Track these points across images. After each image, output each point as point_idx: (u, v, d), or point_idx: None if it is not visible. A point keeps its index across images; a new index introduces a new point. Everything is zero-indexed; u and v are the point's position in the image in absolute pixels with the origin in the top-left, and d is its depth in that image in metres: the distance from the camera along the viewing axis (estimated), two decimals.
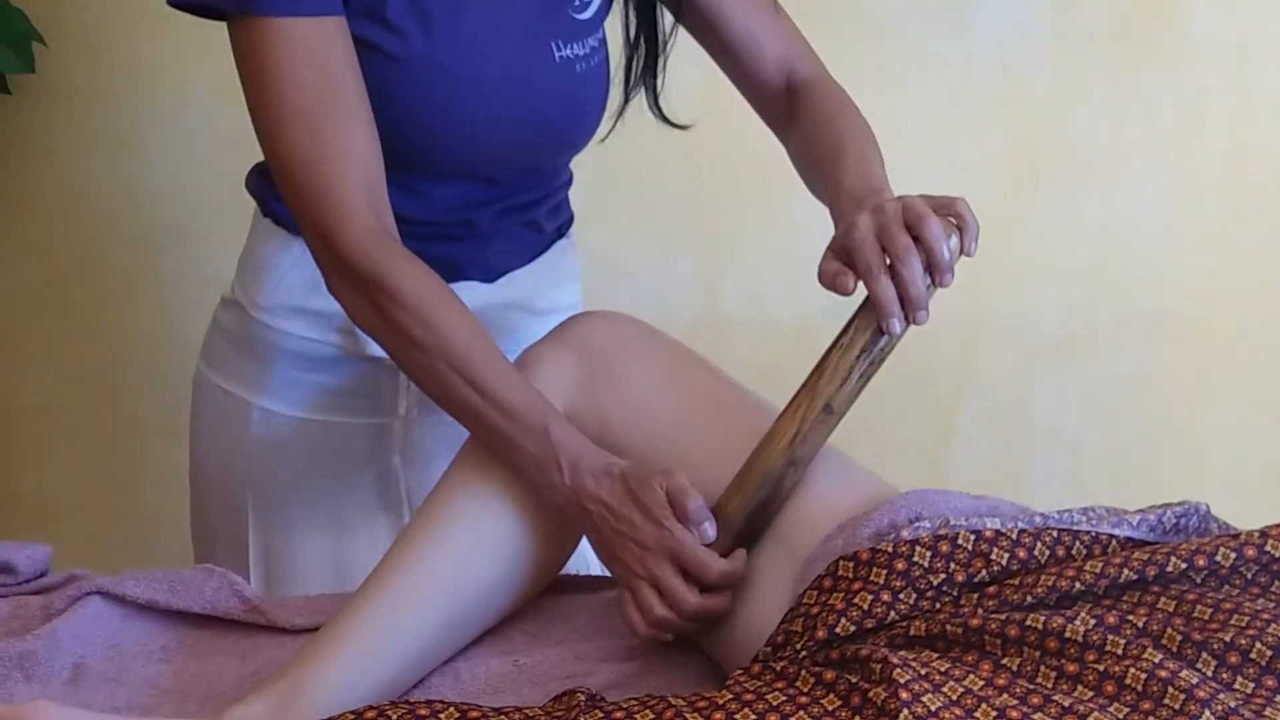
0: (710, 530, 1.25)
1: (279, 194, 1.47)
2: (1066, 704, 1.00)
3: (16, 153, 2.20)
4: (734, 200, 2.18)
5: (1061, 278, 2.33)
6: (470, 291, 1.52)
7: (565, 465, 1.28)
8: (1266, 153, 2.27)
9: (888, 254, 1.21)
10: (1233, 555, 1.15)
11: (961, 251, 1.27)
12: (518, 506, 1.32)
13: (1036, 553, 1.17)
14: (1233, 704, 0.99)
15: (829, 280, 1.23)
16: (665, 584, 1.24)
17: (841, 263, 1.23)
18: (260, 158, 1.50)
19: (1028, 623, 1.08)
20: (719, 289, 2.25)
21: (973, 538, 1.17)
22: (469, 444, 1.36)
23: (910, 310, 1.22)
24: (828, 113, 1.50)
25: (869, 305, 1.25)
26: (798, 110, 1.52)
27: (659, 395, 1.36)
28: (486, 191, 1.52)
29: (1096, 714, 0.99)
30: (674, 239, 2.18)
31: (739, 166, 1.92)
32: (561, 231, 1.65)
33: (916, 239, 1.21)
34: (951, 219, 1.26)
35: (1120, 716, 1.00)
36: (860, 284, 1.24)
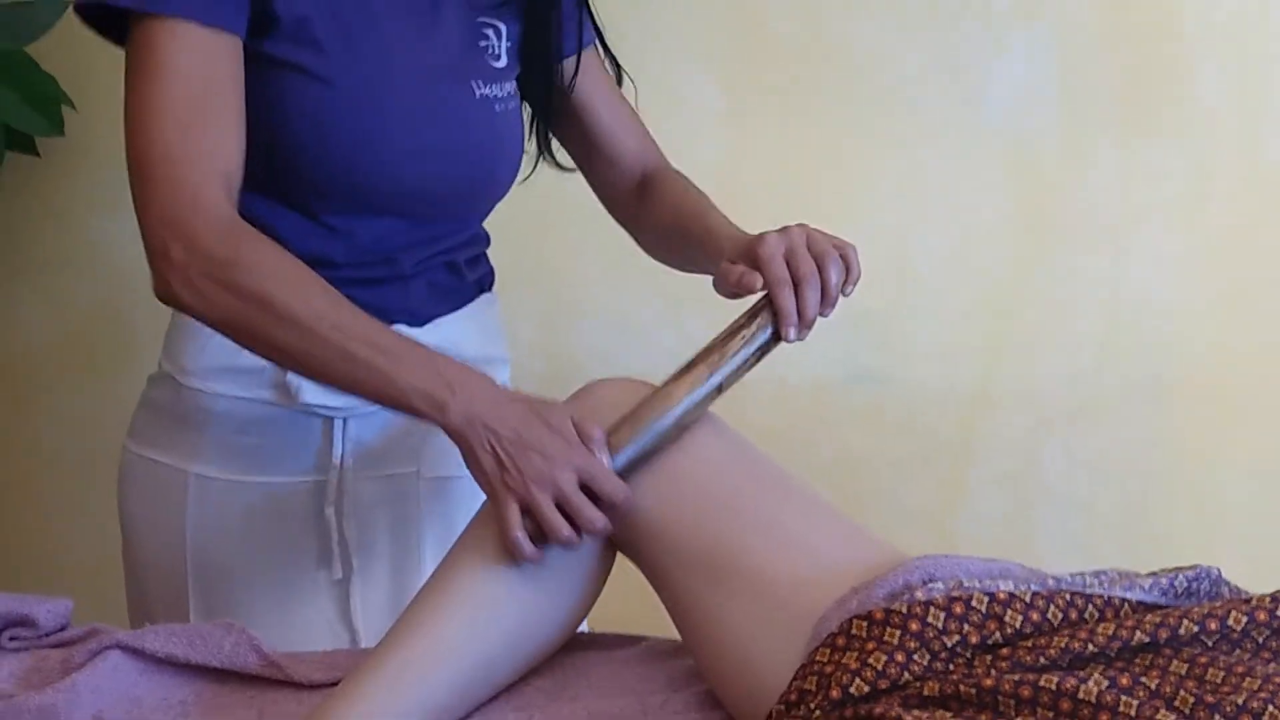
0: (608, 461, 1.29)
1: None
2: None
3: (45, 211, 2.23)
4: None
5: (1070, 342, 2.35)
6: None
7: (455, 384, 1.31)
8: (1277, 219, 2.29)
9: (791, 273, 1.31)
10: (1244, 619, 1.15)
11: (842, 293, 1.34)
12: (532, 568, 1.33)
13: (1049, 615, 1.18)
14: None
15: (734, 279, 1.32)
16: (572, 498, 1.27)
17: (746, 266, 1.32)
18: None
19: (1041, 684, 1.08)
20: (687, 329, 2.23)
21: (986, 600, 1.18)
22: (481, 511, 1.36)
23: (803, 326, 1.31)
24: (683, 188, 1.59)
25: (768, 310, 1.33)
26: (654, 194, 1.59)
27: (675, 459, 1.36)
28: (407, 232, 1.54)
29: None
30: (687, 299, 2.20)
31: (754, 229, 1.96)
32: (483, 285, 1.67)
33: (819, 269, 1.31)
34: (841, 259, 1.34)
35: None
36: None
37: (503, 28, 1.56)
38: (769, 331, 1.34)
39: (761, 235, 1.33)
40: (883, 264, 2.32)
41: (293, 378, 1.50)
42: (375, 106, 1.45)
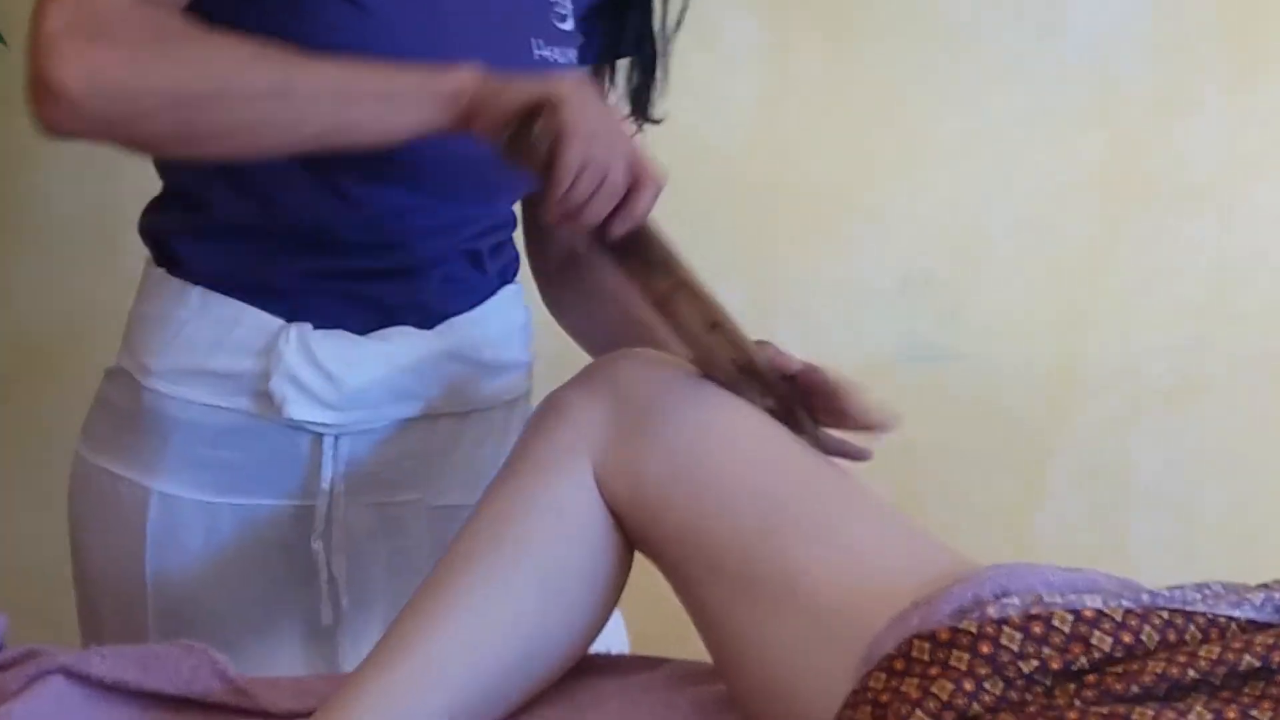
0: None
1: (176, 233, 1.46)
2: None
3: None
4: (783, 228, 2.13)
5: (1168, 314, 2.31)
6: (405, 339, 1.48)
7: (435, 85, 1.24)
8: None
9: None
10: None
11: None
12: (538, 575, 1.28)
13: (1144, 636, 1.10)
14: None
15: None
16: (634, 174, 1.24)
17: None
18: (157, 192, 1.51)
19: (1133, 717, 1.01)
20: (770, 325, 2.16)
21: (1070, 618, 1.11)
22: (478, 509, 1.30)
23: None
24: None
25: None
26: (583, 275, 1.59)
27: (705, 448, 1.30)
28: (429, 211, 1.48)
29: None
30: (721, 270, 2.12)
31: (787, 192, 1.81)
32: (506, 276, 1.60)
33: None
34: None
35: None
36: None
37: None
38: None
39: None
40: (947, 226, 2.28)
41: (275, 384, 1.44)
42: (416, 43, 1.38)
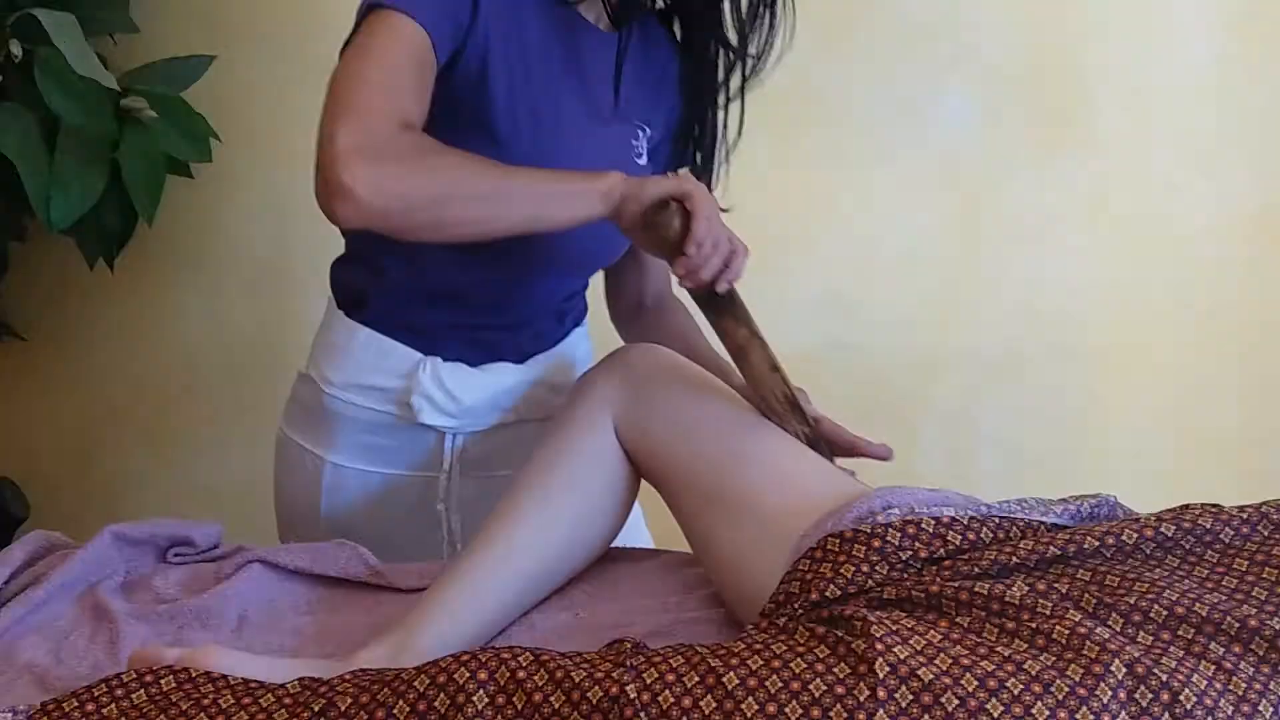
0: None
1: (354, 286, 1.48)
2: (1006, 654, 1.01)
3: (198, 222, 2.22)
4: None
5: (1000, 316, 2.30)
6: (504, 370, 1.52)
7: (599, 184, 1.24)
8: (1160, 220, 2.23)
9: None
10: (1135, 535, 1.15)
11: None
12: (579, 494, 1.33)
13: (983, 535, 1.18)
14: (1136, 654, 1.00)
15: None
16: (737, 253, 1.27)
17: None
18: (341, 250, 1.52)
19: (975, 589, 1.08)
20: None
21: (933, 523, 1.18)
22: (536, 452, 1.35)
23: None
24: (682, 318, 1.60)
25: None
26: (662, 315, 1.60)
27: (687, 409, 1.36)
28: (533, 282, 1.50)
29: (1030, 662, 1.00)
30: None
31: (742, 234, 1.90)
32: (578, 322, 1.63)
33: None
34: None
35: (1049, 664, 1.00)
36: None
37: (649, 131, 1.49)
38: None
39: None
40: (853, 256, 2.26)
41: (415, 400, 1.46)
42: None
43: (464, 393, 1.48)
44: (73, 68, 1.55)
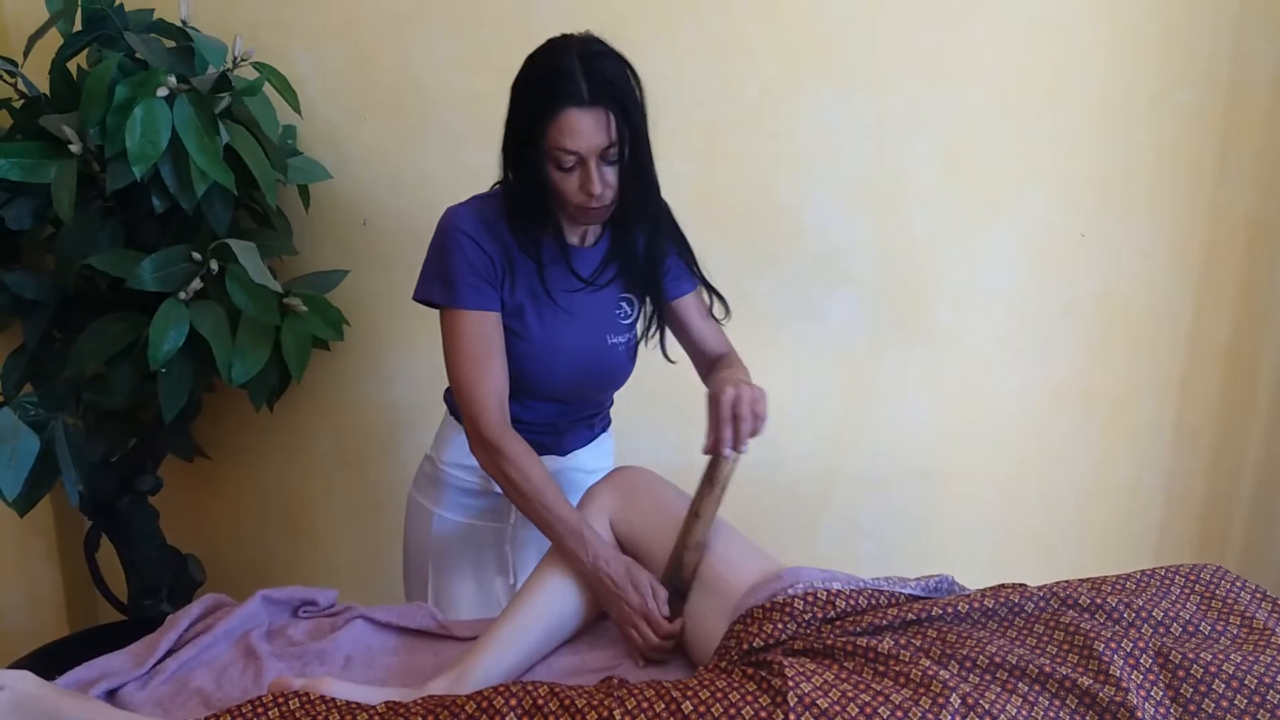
0: (665, 609, 1.27)
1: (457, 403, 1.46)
2: (878, 689, 1.00)
3: (333, 383, 2.19)
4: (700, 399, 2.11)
5: (875, 449, 2.19)
6: (550, 460, 1.51)
7: (590, 554, 1.28)
8: (980, 386, 2.15)
9: (734, 415, 1.23)
10: (966, 606, 1.14)
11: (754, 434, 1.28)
12: (578, 583, 1.31)
13: (861, 603, 1.16)
14: (968, 689, 0.99)
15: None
16: (641, 630, 1.25)
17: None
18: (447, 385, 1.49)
19: (857, 643, 1.07)
20: (692, 449, 2.14)
21: (826, 593, 1.16)
22: (550, 551, 1.34)
23: (736, 446, 1.25)
24: (730, 360, 1.46)
25: (714, 462, 1.27)
26: (719, 364, 1.48)
27: (660, 513, 1.34)
28: (565, 411, 1.49)
29: (894, 694, 0.99)
30: (665, 420, 2.15)
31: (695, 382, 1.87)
32: (605, 427, 1.62)
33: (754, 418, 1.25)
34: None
35: (908, 696, 0.98)
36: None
37: (635, 300, 1.46)
38: (714, 465, 1.28)
39: (723, 388, 1.25)
40: (775, 406, 2.07)
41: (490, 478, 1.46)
42: (550, 352, 1.39)
43: None
44: (252, 278, 1.57)
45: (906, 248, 2.06)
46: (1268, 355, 2.06)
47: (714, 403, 1.24)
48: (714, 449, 1.25)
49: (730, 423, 1.23)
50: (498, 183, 1.37)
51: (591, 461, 1.57)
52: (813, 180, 2.00)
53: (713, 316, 1.52)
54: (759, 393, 1.26)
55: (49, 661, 1.72)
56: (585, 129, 1.21)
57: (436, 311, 1.38)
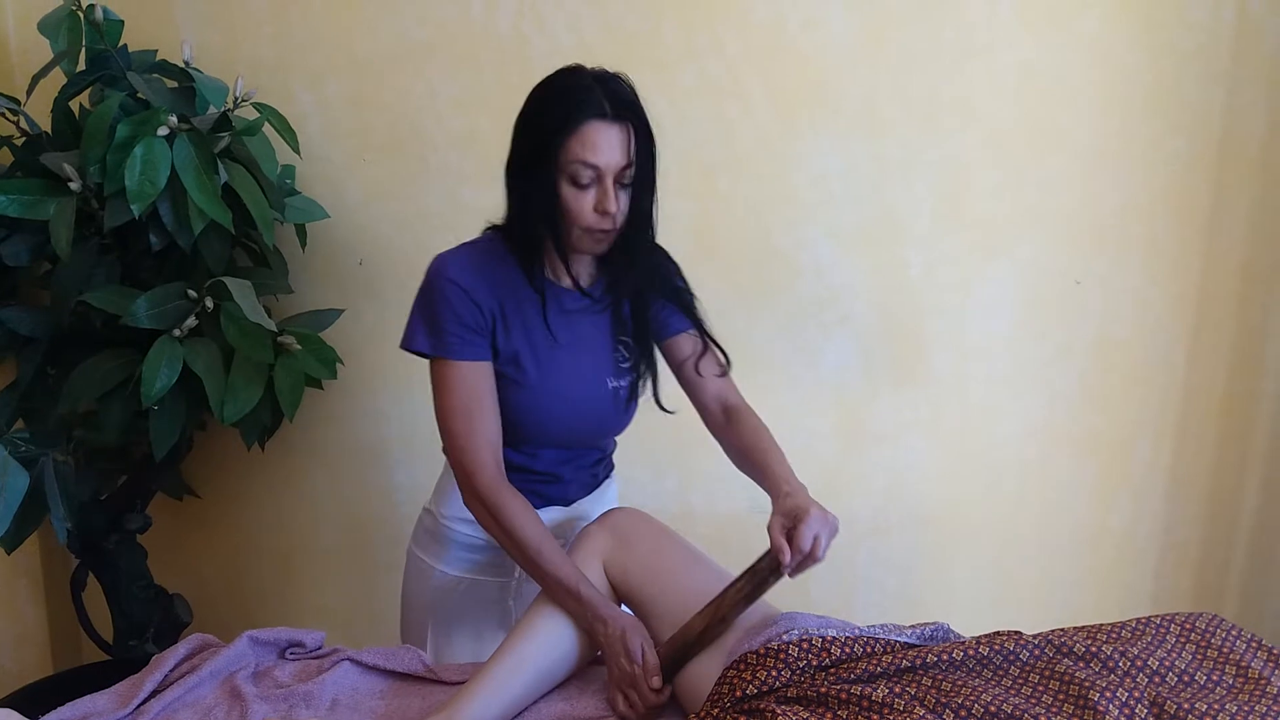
0: (657, 681, 1.23)
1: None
2: None
3: (325, 419, 2.17)
4: (699, 446, 2.04)
5: (871, 494, 2.18)
6: (553, 510, 1.49)
7: (588, 611, 1.27)
8: (976, 430, 2.15)
9: (802, 547, 1.15)
10: (961, 653, 1.13)
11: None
12: (569, 627, 1.30)
13: (855, 650, 1.16)
14: None
15: (778, 544, 1.17)
16: (627, 695, 1.24)
17: (784, 536, 1.18)
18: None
19: (851, 690, 1.06)
20: (691, 494, 2.15)
21: (821, 640, 1.15)
22: (539, 595, 1.34)
23: (794, 574, 1.19)
24: (753, 427, 1.40)
25: (768, 565, 1.20)
26: (733, 425, 1.42)
27: (654, 557, 1.33)
28: (567, 458, 1.47)
29: None
30: (666, 465, 2.15)
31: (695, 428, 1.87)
32: (608, 473, 1.59)
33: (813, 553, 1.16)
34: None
35: None
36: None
37: (633, 343, 1.44)
38: (766, 572, 1.21)
39: (805, 516, 1.17)
40: None
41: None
42: (551, 400, 1.37)
43: None
44: (246, 316, 1.57)
45: (902, 291, 2.06)
46: (1263, 403, 2.07)
47: (792, 534, 1.16)
48: (774, 571, 1.20)
49: (802, 556, 1.16)
50: (488, 228, 1.37)
51: (597, 509, 1.55)
52: (809, 223, 2.01)
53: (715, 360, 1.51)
54: (834, 528, 1.19)
55: (33, 700, 1.71)
56: (607, 143, 1.21)
57: None
